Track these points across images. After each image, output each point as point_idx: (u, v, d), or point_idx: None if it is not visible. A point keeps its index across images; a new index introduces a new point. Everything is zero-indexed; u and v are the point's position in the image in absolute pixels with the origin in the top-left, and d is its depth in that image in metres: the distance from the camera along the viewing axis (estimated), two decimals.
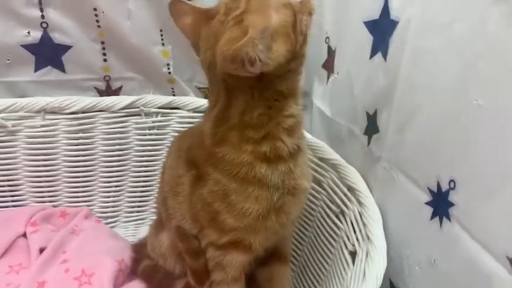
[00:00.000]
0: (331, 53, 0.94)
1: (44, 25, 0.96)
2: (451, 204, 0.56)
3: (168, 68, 1.06)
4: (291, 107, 0.60)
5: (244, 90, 0.57)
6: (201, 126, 0.65)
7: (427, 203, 0.61)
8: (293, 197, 0.63)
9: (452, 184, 0.55)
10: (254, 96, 0.57)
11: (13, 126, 0.94)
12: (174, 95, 1.08)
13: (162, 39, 1.03)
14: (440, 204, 0.58)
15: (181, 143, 0.72)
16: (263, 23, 0.53)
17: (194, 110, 1.02)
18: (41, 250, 0.86)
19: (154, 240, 0.80)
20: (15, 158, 0.97)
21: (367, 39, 0.75)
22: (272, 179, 0.60)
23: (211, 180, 0.61)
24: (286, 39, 0.54)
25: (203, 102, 1.02)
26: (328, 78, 0.96)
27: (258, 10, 0.55)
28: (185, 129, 0.97)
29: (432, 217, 0.60)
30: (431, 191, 0.60)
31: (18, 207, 0.99)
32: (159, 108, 1.02)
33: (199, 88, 1.11)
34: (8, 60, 0.97)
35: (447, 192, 0.56)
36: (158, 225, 0.80)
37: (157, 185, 0.99)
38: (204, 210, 0.63)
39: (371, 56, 0.74)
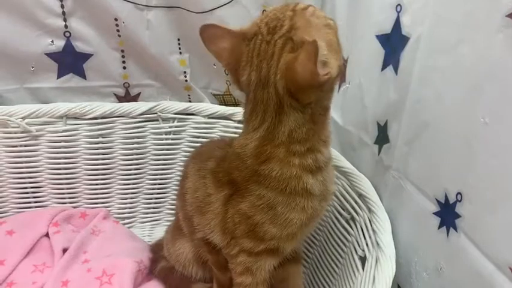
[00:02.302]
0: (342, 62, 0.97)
1: (67, 34, 1.00)
2: (458, 216, 0.58)
3: (185, 76, 1.09)
4: (328, 120, 0.64)
5: (297, 107, 0.59)
6: (232, 149, 0.66)
7: (435, 213, 0.64)
8: (325, 202, 0.68)
9: (459, 197, 0.58)
10: (306, 113, 0.59)
11: (37, 131, 0.97)
12: (190, 101, 1.12)
13: (180, 48, 1.07)
14: (447, 215, 0.61)
15: (200, 166, 0.73)
16: (320, 39, 0.54)
17: (209, 116, 1.05)
18: (64, 250, 0.89)
19: (171, 246, 0.83)
20: (38, 161, 1.00)
21: (378, 52, 0.77)
22: (316, 189, 0.63)
23: (254, 196, 0.63)
24: (336, 56, 0.58)
25: (218, 109, 1.04)
26: (339, 87, 0.99)
27: (306, 28, 0.57)
28: (196, 144, 1.02)
29: (440, 227, 0.63)
30: (439, 202, 0.63)
31: (40, 208, 1.02)
32: (175, 114, 1.04)
33: (214, 95, 1.14)
34: (33, 67, 1.01)
35: (454, 204, 0.59)
36: (175, 231, 0.83)
37: (174, 193, 1.03)
38: (242, 223, 0.65)
39: (382, 69, 0.76)
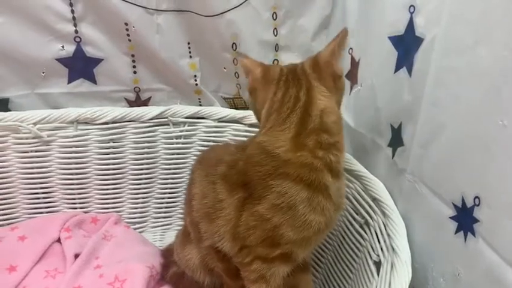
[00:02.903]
0: (354, 64, 0.95)
1: (77, 39, 1.00)
2: (476, 220, 0.57)
3: (195, 80, 1.08)
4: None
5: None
6: (252, 146, 0.68)
7: (452, 218, 0.62)
8: (338, 212, 0.69)
9: (477, 201, 0.56)
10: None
11: (48, 136, 0.97)
12: (200, 105, 1.11)
13: (190, 52, 1.06)
14: (465, 219, 0.59)
15: (208, 171, 0.73)
16: None
17: (219, 120, 1.04)
18: (76, 255, 0.89)
19: (180, 251, 0.82)
20: (49, 166, 1.00)
21: (391, 53, 0.76)
22: (333, 192, 0.65)
23: (274, 193, 0.62)
24: None
25: (228, 112, 1.04)
26: (351, 89, 0.97)
27: None
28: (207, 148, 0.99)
29: (457, 231, 0.61)
30: (455, 206, 0.61)
31: (51, 213, 1.02)
32: (186, 118, 1.04)
33: (224, 98, 1.14)
34: (43, 73, 1.02)
35: (472, 209, 0.57)
36: (184, 236, 0.82)
37: (183, 198, 1.02)
38: (257, 228, 0.64)
39: (395, 71, 0.75)
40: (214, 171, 0.71)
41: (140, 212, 1.09)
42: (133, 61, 1.05)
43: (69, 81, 1.04)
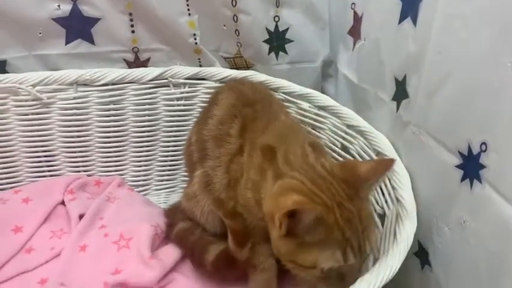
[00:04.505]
0: (357, 19, 0.94)
1: None
2: (483, 167, 0.56)
3: (195, 38, 1.05)
4: None
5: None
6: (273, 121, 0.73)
7: (457, 166, 0.62)
8: None
9: (483, 147, 0.56)
10: None
11: (48, 98, 0.96)
12: (200, 65, 1.09)
13: (188, 10, 1.03)
14: (471, 166, 0.58)
15: (235, 103, 0.78)
16: None
17: (220, 81, 1.03)
18: (80, 216, 0.89)
19: (188, 188, 0.85)
20: (50, 129, 1.00)
21: (395, 4, 0.74)
22: None
23: (245, 156, 0.70)
24: None
25: (229, 73, 1.02)
26: (354, 45, 0.96)
27: None
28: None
29: (462, 179, 0.61)
30: (461, 154, 0.61)
31: (54, 177, 1.02)
32: (186, 79, 1.03)
33: (225, 58, 1.12)
34: (40, 33, 0.99)
35: (478, 155, 0.57)
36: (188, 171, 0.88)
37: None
38: (235, 171, 0.71)
39: (400, 21, 0.74)
40: (241, 108, 0.76)
41: (143, 175, 1.09)
42: (131, 20, 1.02)
43: (67, 42, 1.01)
